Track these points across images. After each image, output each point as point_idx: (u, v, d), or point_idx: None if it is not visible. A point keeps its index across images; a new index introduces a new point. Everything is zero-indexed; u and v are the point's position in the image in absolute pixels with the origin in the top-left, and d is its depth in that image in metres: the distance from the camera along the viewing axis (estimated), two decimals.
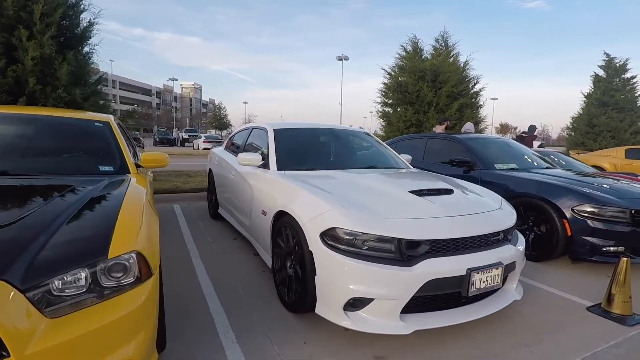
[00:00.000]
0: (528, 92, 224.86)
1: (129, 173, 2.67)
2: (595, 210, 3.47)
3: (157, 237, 1.92)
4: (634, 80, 15.11)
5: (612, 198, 3.52)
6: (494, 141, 5.36)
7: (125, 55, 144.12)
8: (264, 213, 3.05)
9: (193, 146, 28.48)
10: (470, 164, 4.64)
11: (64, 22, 7.03)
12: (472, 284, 2.18)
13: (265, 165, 3.38)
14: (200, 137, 28.28)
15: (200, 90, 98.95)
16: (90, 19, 7.64)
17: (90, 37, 7.82)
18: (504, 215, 2.58)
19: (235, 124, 70.78)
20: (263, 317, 2.56)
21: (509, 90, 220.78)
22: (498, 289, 2.48)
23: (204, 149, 24.88)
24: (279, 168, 3.27)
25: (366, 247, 2.15)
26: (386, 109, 11.16)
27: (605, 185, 3.85)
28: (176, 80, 64.93)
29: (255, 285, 3.09)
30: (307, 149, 3.70)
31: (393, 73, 10.87)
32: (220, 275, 3.30)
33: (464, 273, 2.15)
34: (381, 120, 11.25)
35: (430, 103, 10.04)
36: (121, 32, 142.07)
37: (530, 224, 3.92)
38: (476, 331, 2.44)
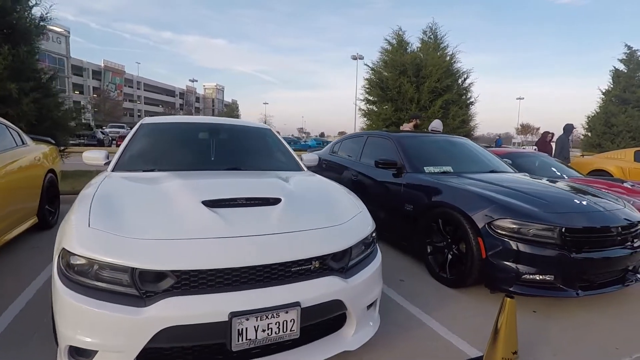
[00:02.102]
0: (560, 91, 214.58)
1: None
2: (515, 226, 2.71)
3: None
4: None
5: (536, 211, 2.74)
6: (436, 140, 4.58)
7: (154, 58, 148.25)
8: None
9: None
10: (398, 166, 3.92)
11: (9, 17, 6.80)
12: (241, 334, 1.55)
13: (109, 163, 2.85)
14: None
15: (223, 91, 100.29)
16: (42, 14, 7.44)
17: (44, 33, 7.60)
18: (335, 235, 1.91)
19: None
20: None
21: (538, 89, 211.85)
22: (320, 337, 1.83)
23: None
24: (116, 168, 2.73)
25: (96, 278, 1.56)
26: (370, 107, 10.43)
27: (550, 196, 3.06)
28: (196, 81, 66.53)
29: None
30: (170, 146, 3.12)
31: (375, 68, 10.13)
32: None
33: (225, 319, 1.52)
34: (365, 118, 10.53)
35: (412, 99, 9.25)
36: (152, 36, 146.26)
37: (449, 240, 3.19)
38: None
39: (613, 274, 2.90)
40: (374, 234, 2.15)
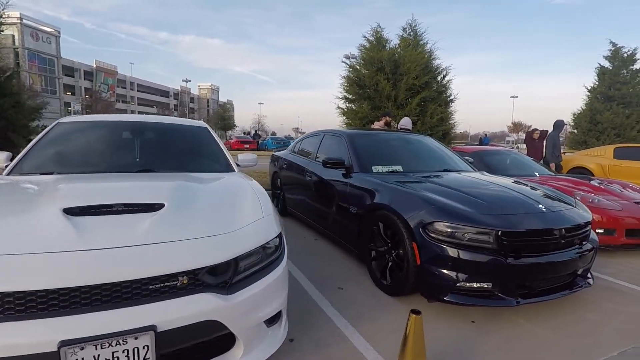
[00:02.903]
0: (554, 90, 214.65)
1: None
2: (449, 230, 2.49)
3: None
4: None
5: (472, 213, 2.53)
6: (392, 138, 4.36)
7: (150, 58, 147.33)
8: None
9: None
10: (346, 166, 3.70)
11: None
12: None
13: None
14: None
15: (218, 91, 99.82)
16: None
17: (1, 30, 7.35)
18: (215, 246, 1.67)
19: (245, 125, 71.44)
20: None
21: (533, 87, 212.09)
22: None
23: None
24: (13, 171, 2.50)
25: None
26: (349, 105, 10.20)
27: (493, 197, 2.86)
28: (190, 81, 66.32)
29: None
30: (81, 147, 2.87)
31: (353, 66, 9.89)
32: None
33: (54, 348, 1.29)
34: (344, 117, 10.29)
35: (389, 97, 9.04)
36: (148, 36, 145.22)
37: (390, 245, 2.97)
38: None
39: (560, 280, 2.69)
40: (271, 243, 1.92)
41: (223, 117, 50.03)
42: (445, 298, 2.49)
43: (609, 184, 4.84)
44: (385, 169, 3.60)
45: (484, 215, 2.51)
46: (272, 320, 1.90)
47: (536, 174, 5.42)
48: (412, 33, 10.12)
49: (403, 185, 3.02)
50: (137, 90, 75.45)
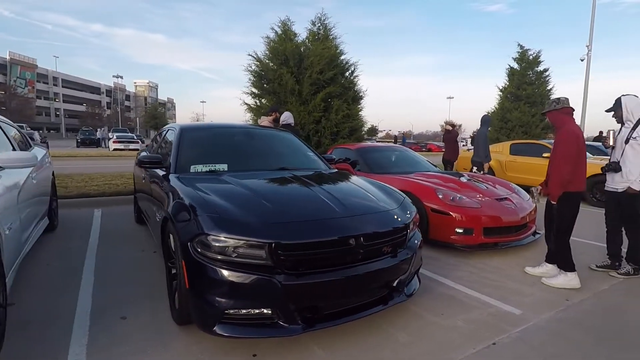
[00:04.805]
0: (487, 90, 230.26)
1: None
2: (217, 244, 1.98)
3: None
4: (547, 73, 14.37)
5: (245, 221, 2.04)
6: (233, 133, 3.81)
7: (83, 52, 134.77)
8: None
9: (109, 147, 25.52)
10: (163, 165, 3.10)
11: None
12: None
13: None
14: (112, 137, 25.48)
15: (157, 88, 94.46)
16: None
17: None
18: None
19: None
20: None
21: (469, 89, 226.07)
22: None
23: (115, 149, 22.46)
24: None
25: None
26: (256, 100, 9.61)
27: (287, 201, 2.43)
28: (121, 77, 62.13)
29: None
30: None
31: (261, 60, 9.31)
32: None
33: None
34: (251, 114, 9.68)
35: (292, 92, 8.58)
36: (80, 28, 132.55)
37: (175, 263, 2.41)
38: None
39: (369, 295, 2.30)
40: None
41: (154, 115, 47.19)
42: (214, 329, 1.97)
43: (481, 181, 4.71)
44: (205, 168, 3.05)
45: (260, 224, 2.03)
46: None
47: (413, 169, 5.24)
48: (321, 27, 9.77)
49: (196, 189, 2.47)
50: (63, 86, 68.94)
